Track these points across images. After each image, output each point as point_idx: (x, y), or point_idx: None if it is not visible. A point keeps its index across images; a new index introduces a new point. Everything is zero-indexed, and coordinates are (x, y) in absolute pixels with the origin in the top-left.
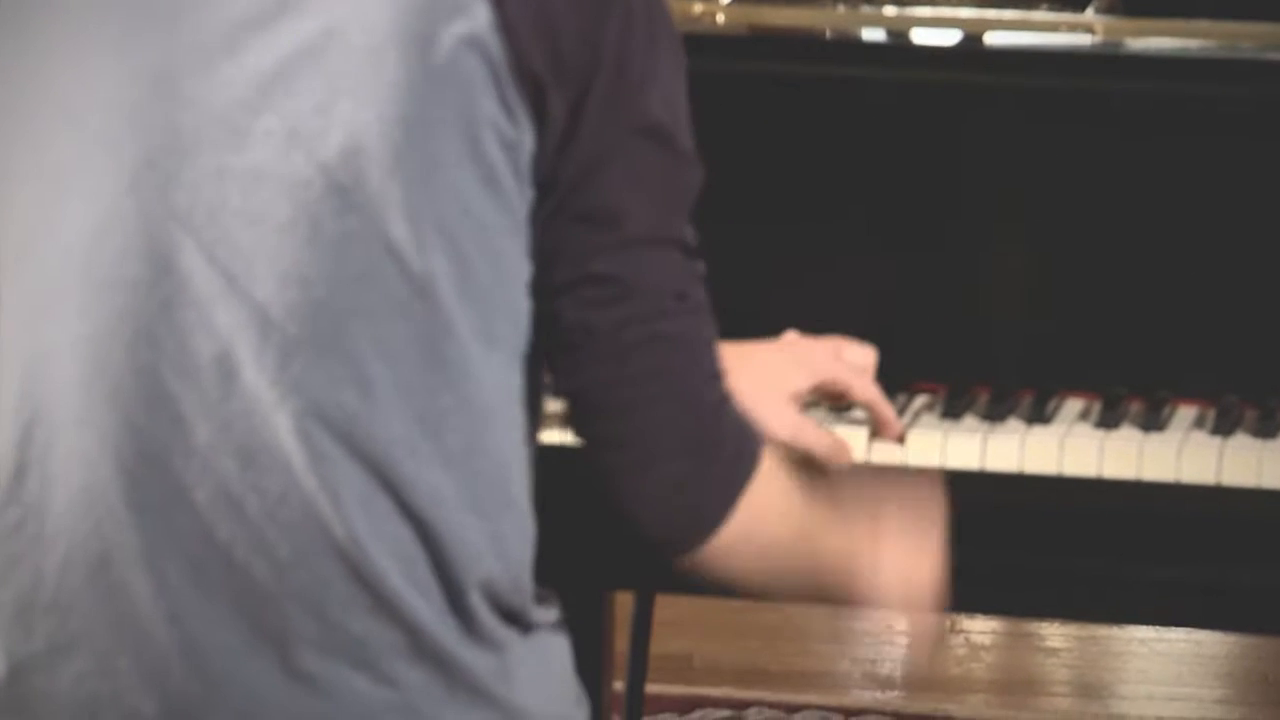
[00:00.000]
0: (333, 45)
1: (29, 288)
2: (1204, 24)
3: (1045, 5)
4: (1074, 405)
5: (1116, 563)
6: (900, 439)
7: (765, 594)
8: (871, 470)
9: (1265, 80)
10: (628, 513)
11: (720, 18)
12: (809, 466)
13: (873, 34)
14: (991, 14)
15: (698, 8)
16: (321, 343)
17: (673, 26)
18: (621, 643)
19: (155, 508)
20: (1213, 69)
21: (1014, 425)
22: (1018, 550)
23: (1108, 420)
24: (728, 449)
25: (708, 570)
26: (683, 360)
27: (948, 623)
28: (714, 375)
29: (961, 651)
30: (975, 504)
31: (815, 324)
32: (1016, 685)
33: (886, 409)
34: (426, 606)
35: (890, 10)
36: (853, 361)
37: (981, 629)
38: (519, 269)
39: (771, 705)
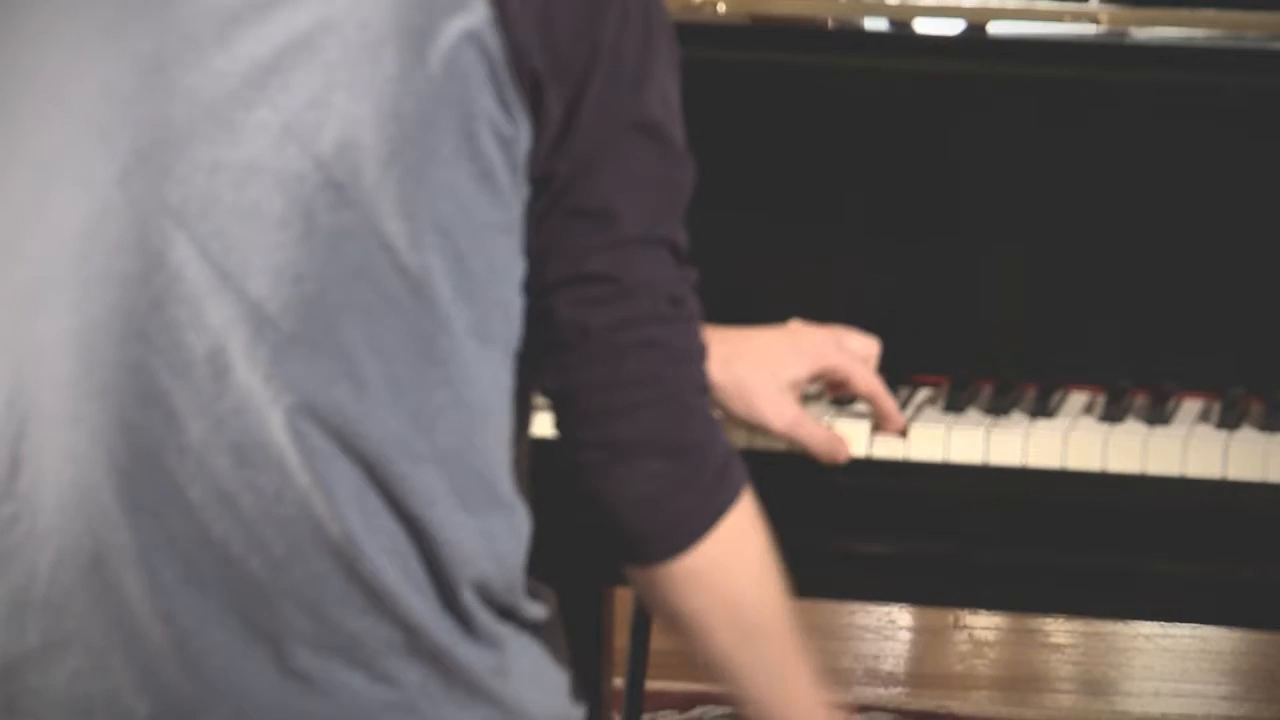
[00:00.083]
0: (328, 38)
1: (19, 281)
2: (1209, 13)
3: None
4: (1078, 398)
5: (1121, 558)
6: (902, 433)
7: (707, 654)
8: (873, 469)
9: (1270, 70)
10: (607, 508)
11: (721, 7)
12: (807, 461)
13: (875, 23)
14: (995, 3)
15: None
16: (315, 339)
17: (668, 23)
18: (622, 639)
19: (148, 506)
20: (1218, 58)
21: (1018, 419)
22: (1021, 545)
23: (1112, 414)
24: (713, 464)
25: (671, 596)
26: (675, 369)
27: (951, 618)
28: (703, 388)
29: (965, 648)
30: (978, 499)
31: (817, 315)
32: (1020, 682)
33: (888, 401)
34: (422, 604)
35: None
36: (855, 351)
37: (985, 625)
38: (513, 266)
39: None
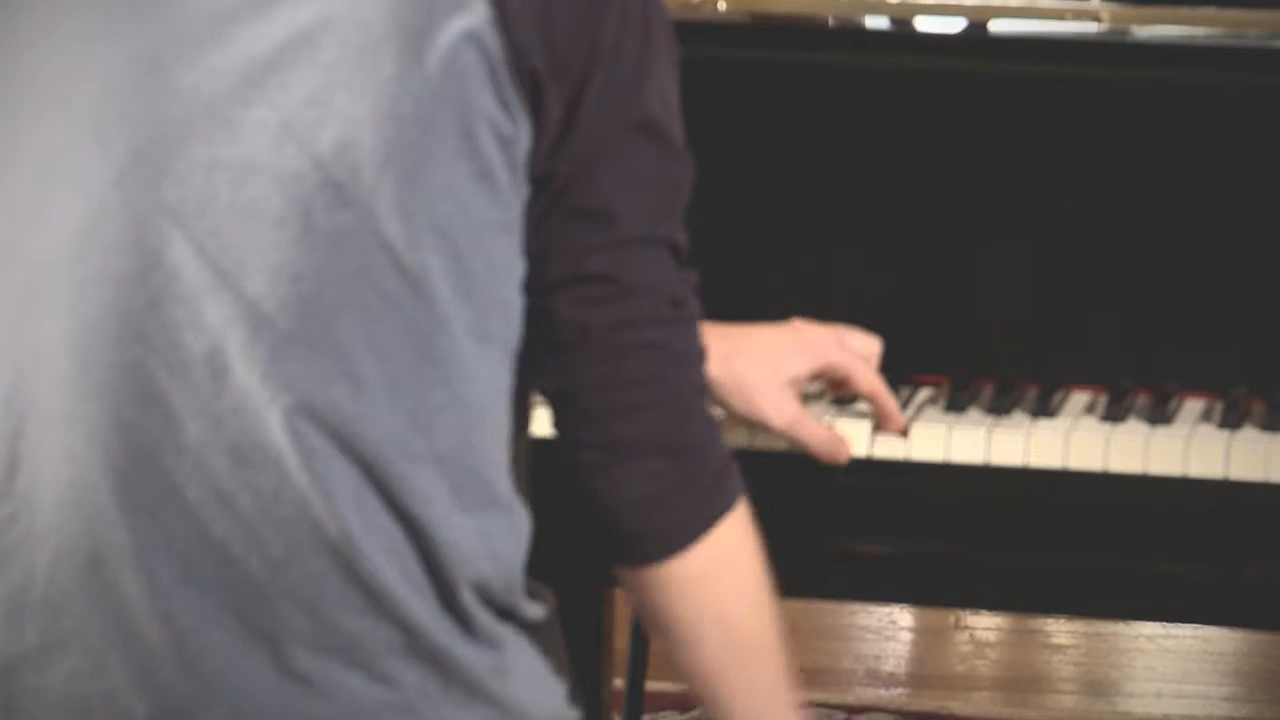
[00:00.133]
0: (327, 37)
1: (17, 281)
2: (1211, 11)
3: None
4: (1080, 398)
5: (1123, 558)
6: (903, 432)
7: (694, 668)
8: (874, 469)
9: (1272, 68)
10: (605, 507)
11: (721, 5)
12: (808, 460)
13: (876, 21)
14: (996, 1)
15: None
16: (313, 339)
17: (667, 21)
18: (622, 640)
19: (146, 506)
20: (1219, 56)
21: (1019, 418)
22: (1023, 546)
23: (1114, 413)
24: (712, 467)
25: (662, 601)
26: (676, 371)
27: (952, 619)
28: (703, 390)
29: (966, 648)
30: (979, 499)
31: (818, 314)
32: (1022, 682)
33: (889, 400)
34: (421, 604)
35: None
36: (856, 350)
37: (986, 625)
38: (512, 265)
39: None
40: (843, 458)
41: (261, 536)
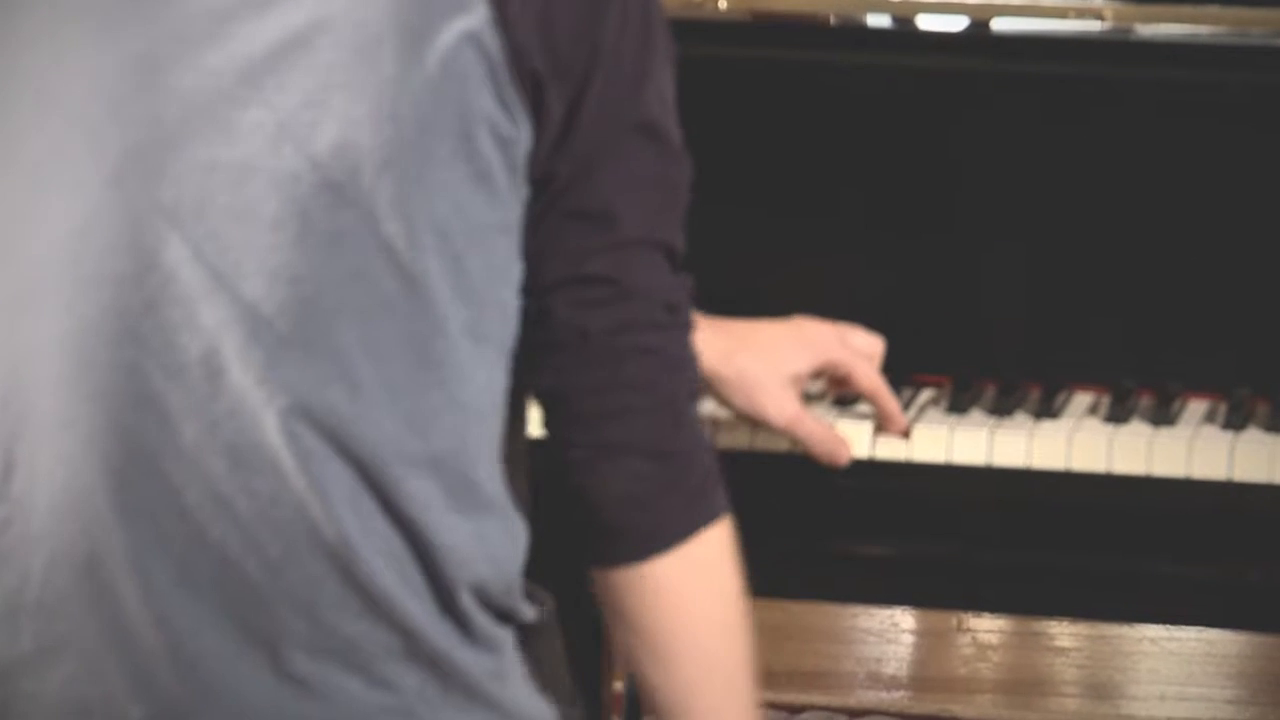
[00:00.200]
0: (325, 38)
1: (10, 282)
2: (1214, 9)
3: None
4: (1083, 399)
5: (1126, 560)
6: (905, 433)
7: (663, 686)
8: (875, 470)
9: (1275, 67)
10: (591, 504)
11: (722, 3)
12: (809, 462)
13: (878, 20)
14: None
15: None
16: (310, 341)
17: (665, 20)
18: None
19: (142, 509)
20: (1223, 55)
21: (1021, 420)
22: (1025, 547)
23: (1117, 414)
24: (699, 473)
25: (636, 604)
26: (671, 377)
27: (954, 621)
28: (694, 396)
29: (968, 651)
30: (982, 500)
31: (820, 314)
32: (1024, 685)
33: (890, 400)
34: (419, 607)
35: None
36: (859, 348)
37: (989, 628)
38: (511, 266)
39: (775, 706)
40: (843, 458)
41: (259, 539)
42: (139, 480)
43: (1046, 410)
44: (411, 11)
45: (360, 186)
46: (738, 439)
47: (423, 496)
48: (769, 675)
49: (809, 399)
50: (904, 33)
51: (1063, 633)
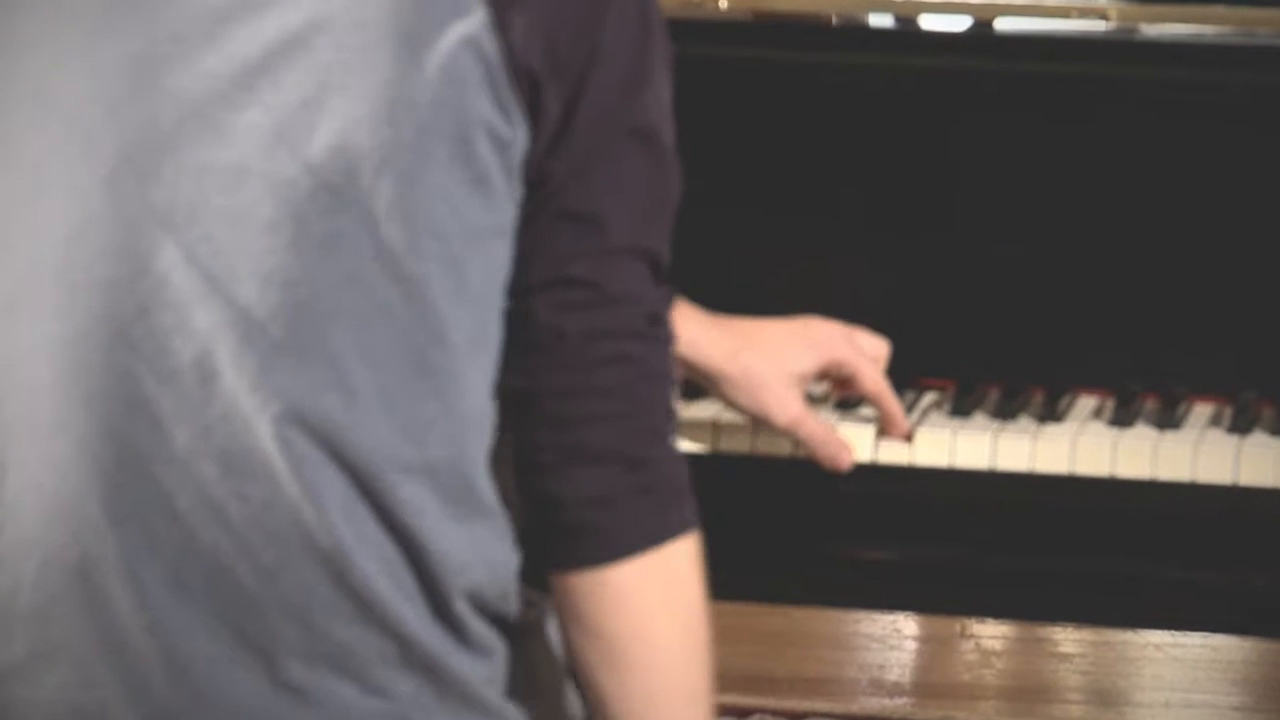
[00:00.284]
0: (321, 39)
1: (4, 285)
2: (1220, 9)
3: None
4: (1087, 403)
5: (1131, 565)
6: (908, 437)
7: (612, 694)
8: (877, 474)
9: None
10: (558, 505)
11: (723, 3)
12: (811, 466)
13: (880, 20)
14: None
15: None
16: (304, 347)
17: (663, 25)
18: None
19: (134, 514)
20: (1228, 55)
21: (1025, 423)
22: (1029, 552)
23: (1121, 418)
24: (670, 484)
25: (594, 610)
26: (648, 389)
27: (958, 627)
28: (670, 412)
29: (971, 657)
30: (985, 505)
31: (823, 316)
32: (1028, 692)
33: (893, 402)
34: (413, 613)
35: None
36: (865, 350)
37: (992, 634)
38: (507, 270)
39: (776, 712)
40: (844, 460)
41: (252, 545)
42: (130, 485)
43: (1050, 414)
44: (409, 13)
45: (357, 189)
46: (739, 443)
47: (417, 503)
48: (771, 682)
49: (811, 401)
50: (907, 33)
51: (1067, 638)
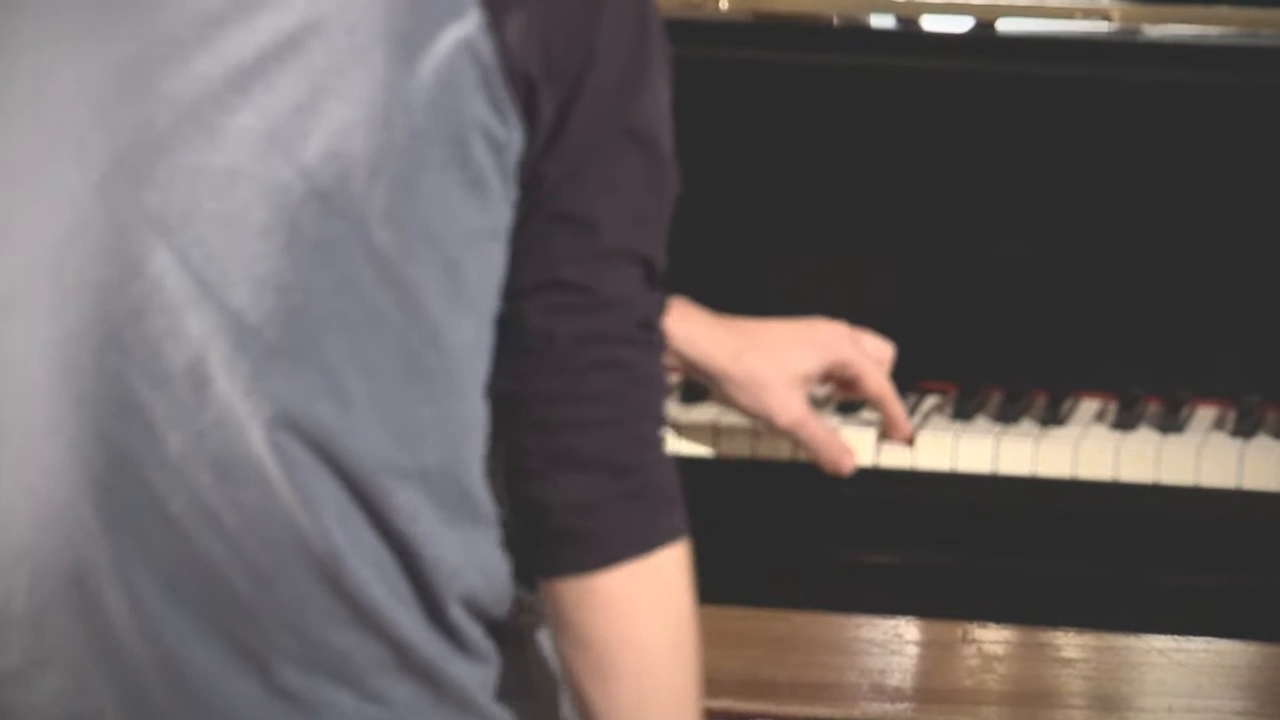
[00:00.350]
0: (315, 41)
1: None
2: (1223, 10)
3: None
4: (1089, 406)
5: (1134, 569)
6: (910, 440)
7: (600, 702)
8: (879, 478)
9: None
10: (545, 511)
11: (724, 4)
12: (812, 469)
13: (882, 20)
14: (1004, 0)
15: None
16: (298, 352)
17: (661, 27)
18: None
19: (127, 520)
20: (1232, 56)
21: (1027, 427)
22: (1031, 557)
23: (1124, 422)
24: (660, 492)
25: (582, 618)
26: (638, 395)
27: (959, 632)
28: (659, 419)
29: (973, 662)
30: (987, 508)
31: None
32: (1030, 697)
33: (896, 405)
34: (409, 619)
35: None
36: (869, 352)
37: (994, 638)
38: (503, 273)
39: (777, 718)
40: (846, 464)
41: (246, 551)
42: (122, 490)
43: (1053, 417)
44: (403, 16)
45: (351, 194)
46: (739, 447)
47: (411, 509)
48: (772, 687)
49: (812, 404)
50: (908, 34)
51: (1069, 643)
